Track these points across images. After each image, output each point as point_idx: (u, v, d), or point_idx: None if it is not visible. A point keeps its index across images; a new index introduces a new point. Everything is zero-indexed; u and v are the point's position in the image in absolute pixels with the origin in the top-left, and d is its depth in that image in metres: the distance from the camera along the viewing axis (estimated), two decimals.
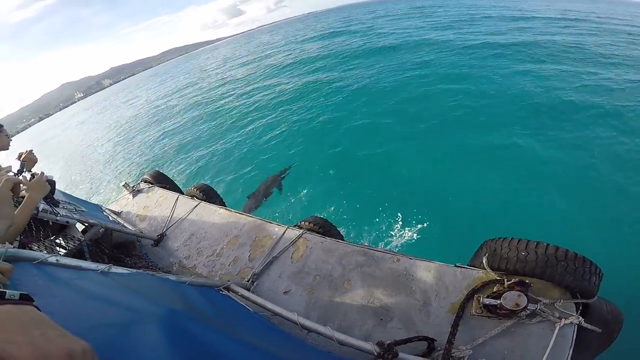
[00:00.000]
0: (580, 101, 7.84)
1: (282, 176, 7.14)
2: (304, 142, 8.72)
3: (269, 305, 1.71)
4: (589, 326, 1.37)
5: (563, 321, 1.33)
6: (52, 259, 1.44)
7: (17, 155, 2.11)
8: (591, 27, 17.86)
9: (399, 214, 5.00)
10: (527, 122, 7.23)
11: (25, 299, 0.61)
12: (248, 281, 2.11)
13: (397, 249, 1.98)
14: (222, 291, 1.86)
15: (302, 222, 2.50)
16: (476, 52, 13.18)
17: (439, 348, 1.42)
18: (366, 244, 2.08)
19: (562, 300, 1.40)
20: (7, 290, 0.57)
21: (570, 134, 6.59)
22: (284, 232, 2.36)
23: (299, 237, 2.27)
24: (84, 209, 3.16)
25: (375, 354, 1.31)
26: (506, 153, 6.23)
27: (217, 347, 1.00)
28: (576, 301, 1.41)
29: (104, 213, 3.41)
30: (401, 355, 1.32)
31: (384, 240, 4.00)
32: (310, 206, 5.98)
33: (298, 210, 5.99)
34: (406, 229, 4.64)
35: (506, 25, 18.67)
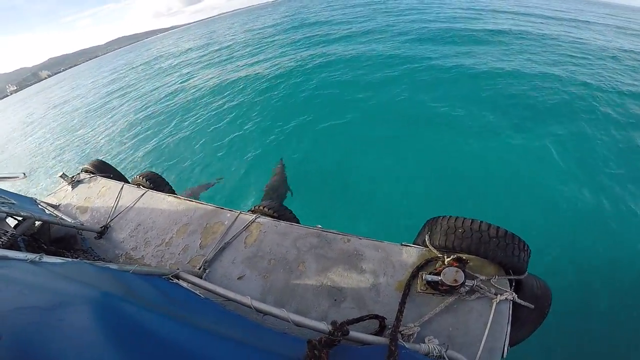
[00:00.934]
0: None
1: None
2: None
3: (221, 290, 1.68)
4: (522, 302, 1.49)
5: (499, 297, 1.44)
6: None
7: None
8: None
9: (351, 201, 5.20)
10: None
11: None
12: (200, 269, 2.05)
13: (348, 231, 2.02)
14: (171, 280, 1.79)
15: (256, 207, 2.47)
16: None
17: (389, 326, 1.49)
18: (320, 226, 2.10)
19: (497, 277, 1.51)
20: None
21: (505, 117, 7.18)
22: (237, 218, 2.31)
23: (252, 221, 2.24)
24: (14, 202, 2.87)
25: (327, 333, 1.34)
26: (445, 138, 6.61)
27: (157, 328, 0.96)
28: (509, 277, 1.53)
29: (39, 206, 3.12)
30: (353, 333, 1.36)
31: (338, 223, 4.12)
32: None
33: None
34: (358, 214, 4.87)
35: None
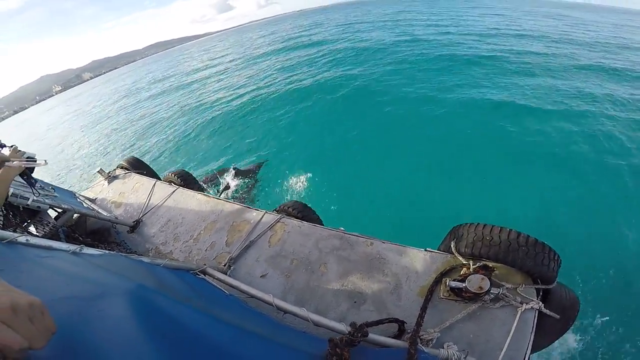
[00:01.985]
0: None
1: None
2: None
3: (245, 287, 1.73)
4: (548, 312, 1.44)
5: (524, 306, 1.39)
6: (22, 239, 1.42)
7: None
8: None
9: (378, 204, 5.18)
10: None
11: None
12: (225, 265, 2.12)
13: (370, 234, 2.03)
14: (198, 274, 1.86)
15: (281, 206, 2.52)
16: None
17: (408, 330, 1.48)
18: (342, 228, 2.12)
19: (524, 285, 1.47)
20: None
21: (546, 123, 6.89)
22: (262, 217, 2.37)
23: (277, 221, 2.29)
24: (57, 194, 3.07)
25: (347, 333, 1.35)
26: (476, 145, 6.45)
27: (189, 322, 1.01)
28: (537, 287, 1.48)
29: (78, 199, 3.32)
30: (373, 336, 1.37)
31: (360, 225, 4.13)
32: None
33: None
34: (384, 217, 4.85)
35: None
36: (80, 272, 1.34)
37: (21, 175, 1.85)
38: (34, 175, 2.05)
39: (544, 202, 4.88)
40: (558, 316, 1.43)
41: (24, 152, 1.85)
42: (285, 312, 1.60)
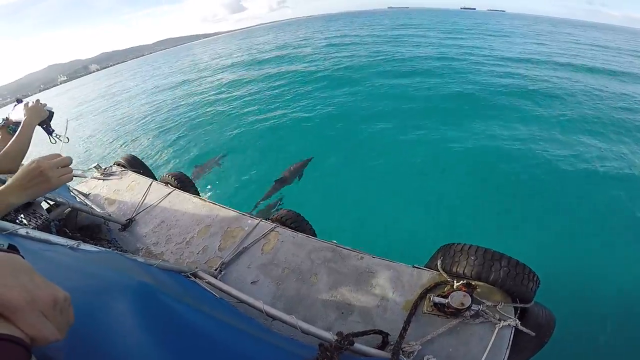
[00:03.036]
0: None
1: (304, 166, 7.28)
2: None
3: (235, 292, 1.78)
4: (524, 329, 1.53)
5: (502, 323, 1.48)
6: (22, 231, 1.45)
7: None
8: None
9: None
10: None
11: (13, 248, 0.66)
12: (216, 270, 2.15)
13: (362, 248, 2.11)
14: (189, 277, 1.90)
15: (276, 215, 2.58)
16: None
17: (392, 342, 1.54)
18: (335, 241, 2.18)
19: (502, 304, 1.55)
20: None
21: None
22: (257, 225, 2.42)
23: (271, 230, 2.35)
24: None
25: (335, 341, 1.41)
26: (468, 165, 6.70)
27: (189, 318, 1.06)
28: (515, 305, 1.57)
29: (71, 193, 3.32)
30: (358, 345, 1.43)
31: (352, 240, 4.22)
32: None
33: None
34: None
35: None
36: (80, 266, 1.37)
37: (40, 123, 1.92)
38: None
39: (532, 228, 5.10)
40: (534, 334, 1.52)
41: (45, 104, 1.95)
42: (274, 318, 1.65)
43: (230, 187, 7.15)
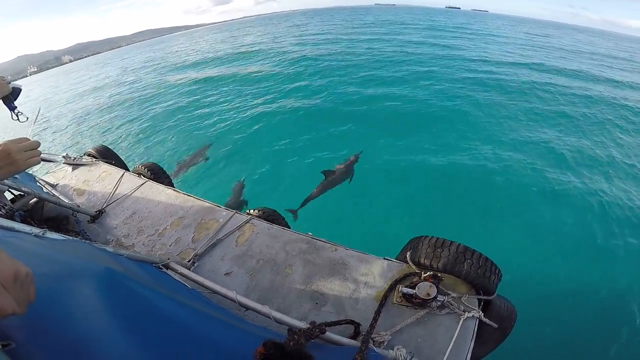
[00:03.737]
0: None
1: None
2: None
3: (208, 283, 1.77)
4: (487, 321, 1.61)
5: (466, 314, 1.55)
6: None
7: None
8: None
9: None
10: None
11: None
12: (189, 261, 2.13)
13: (336, 241, 2.15)
14: (160, 268, 1.87)
15: (251, 210, 2.57)
16: None
17: (363, 332, 1.59)
18: (310, 233, 2.21)
19: (467, 295, 1.63)
20: None
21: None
22: (232, 217, 2.41)
23: (246, 222, 2.34)
24: (16, 176, 2.93)
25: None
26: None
27: (157, 303, 1.05)
28: (479, 297, 1.65)
29: (38, 183, 3.18)
30: (330, 334, 1.46)
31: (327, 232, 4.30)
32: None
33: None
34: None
35: None
36: (45, 253, 1.33)
37: (3, 100, 1.89)
38: None
39: (501, 224, 5.37)
40: (496, 325, 1.60)
41: (10, 80, 1.90)
42: (248, 308, 1.66)
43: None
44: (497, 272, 1.64)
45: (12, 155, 1.01)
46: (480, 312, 1.56)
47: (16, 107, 2.05)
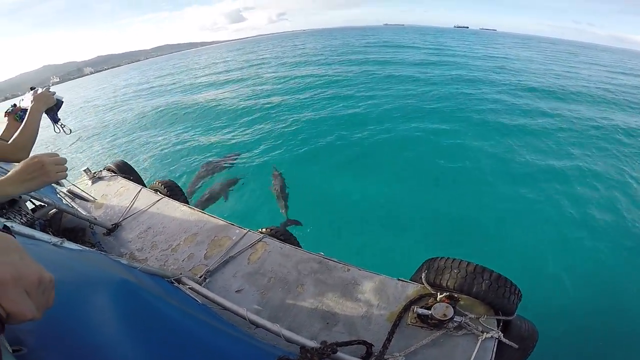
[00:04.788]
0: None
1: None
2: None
3: (218, 299, 1.76)
4: (507, 341, 1.55)
5: (485, 335, 1.50)
6: (9, 224, 1.43)
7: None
8: None
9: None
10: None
11: (7, 230, 0.67)
12: (201, 277, 2.13)
13: (348, 261, 2.13)
14: (172, 282, 1.88)
15: (264, 229, 2.58)
16: None
17: (375, 353, 1.54)
18: (322, 253, 2.19)
19: (485, 316, 1.58)
20: None
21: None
22: (244, 235, 2.42)
23: (259, 240, 2.34)
24: None
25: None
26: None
27: (170, 315, 1.05)
28: (497, 318, 1.60)
29: (57, 195, 3.27)
30: (341, 355, 1.42)
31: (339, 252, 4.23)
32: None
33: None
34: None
35: None
36: (62, 262, 1.35)
37: (47, 111, 1.90)
38: None
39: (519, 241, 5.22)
40: (517, 346, 1.54)
41: (55, 92, 1.93)
42: (258, 326, 1.64)
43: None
44: (516, 292, 1.59)
45: (46, 167, 1.08)
46: (500, 332, 1.51)
47: (59, 120, 2.07)
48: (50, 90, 1.91)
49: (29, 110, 1.74)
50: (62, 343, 0.79)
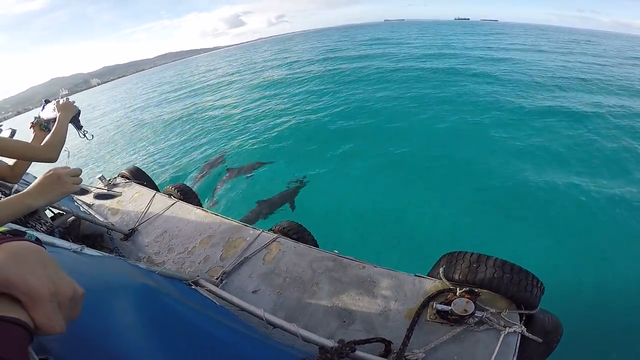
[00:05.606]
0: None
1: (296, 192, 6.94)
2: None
3: (236, 300, 1.77)
4: (530, 336, 1.50)
5: (507, 330, 1.46)
6: (30, 232, 1.46)
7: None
8: None
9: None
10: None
11: (38, 242, 0.68)
12: (217, 279, 2.14)
13: (363, 258, 2.11)
14: (190, 285, 1.89)
15: (277, 226, 2.58)
16: None
17: (394, 350, 1.52)
18: (337, 251, 2.18)
19: (507, 310, 1.54)
20: (27, 231, 0.64)
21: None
22: (258, 235, 2.42)
23: (273, 240, 2.35)
24: None
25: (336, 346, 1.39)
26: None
27: (190, 318, 1.06)
28: (520, 312, 1.55)
29: (75, 203, 3.35)
30: (360, 353, 1.41)
31: (353, 249, 4.20)
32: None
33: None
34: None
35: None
36: (84, 269, 1.38)
37: (71, 120, 2.03)
38: None
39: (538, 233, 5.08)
40: (540, 340, 1.49)
41: (74, 101, 2.08)
42: (275, 326, 1.63)
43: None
44: (539, 285, 1.54)
45: (62, 178, 1.13)
46: (523, 327, 1.47)
47: (82, 127, 2.21)
48: (70, 100, 2.05)
49: (57, 118, 1.89)
50: (87, 350, 0.80)
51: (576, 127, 8.90)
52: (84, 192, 2.86)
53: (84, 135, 2.25)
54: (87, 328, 0.86)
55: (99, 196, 3.28)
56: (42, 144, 1.80)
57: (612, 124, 9.14)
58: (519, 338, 1.44)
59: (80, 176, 1.24)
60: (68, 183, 1.14)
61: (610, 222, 5.22)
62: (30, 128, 2.07)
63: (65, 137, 1.90)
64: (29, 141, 1.94)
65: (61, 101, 2.03)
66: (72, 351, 0.77)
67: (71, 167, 1.22)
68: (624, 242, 4.83)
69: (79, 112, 2.12)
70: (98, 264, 1.55)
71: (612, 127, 8.86)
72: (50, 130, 1.90)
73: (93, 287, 1.10)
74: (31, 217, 2.48)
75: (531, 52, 25.47)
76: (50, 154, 1.75)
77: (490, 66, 17.93)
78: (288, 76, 20.00)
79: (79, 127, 2.19)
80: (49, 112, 2.02)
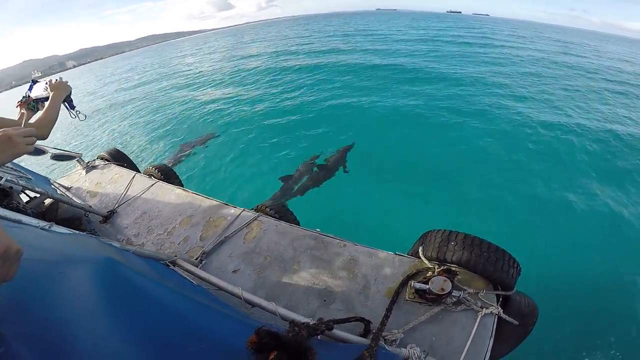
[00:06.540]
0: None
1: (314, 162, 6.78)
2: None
3: (214, 279, 1.73)
4: (507, 317, 1.51)
5: (484, 310, 1.45)
6: None
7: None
8: None
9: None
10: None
11: None
12: (197, 259, 2.10)
13: (345, 237, 2.09)
14: (168, 265, 1.85)
15: (259, 206, 2.54)
16: None
17: (374, 330, 1.51)
18: (319, 229, 2.15)
19: (484, 291, 1.53)
20: None
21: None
22: (240, 214, 2.38)
23: (254, 219, 2.30)
24: (31, 178, 2.99)
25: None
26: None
27: (158, 294, 1.02)
28: (497, 292, 1.55)
29: (52, 186, 3.24)
30: (338, 332, 1.39)
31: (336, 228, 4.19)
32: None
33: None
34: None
35: None
36: (49, 245, 1.32)
37: (64, 99, 2.01)
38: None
39: (515, 213, 5.19)
40: (517, 322, 1.50)
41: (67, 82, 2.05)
42: (254, 305, 1.61)
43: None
44: (515, 265, 1.54)
45: (13, 139, 1.09)
46: (499, 308, 1.47)
47: (75, 107, 2.16)
48: (63, 80, 2.01)
49: (51, 97, 1.86)
50: (30, 316, 0.76)
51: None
52: (40, 152, 2.74)
53: (77, 115, 2.20)
54: (40, 293, 0.82)
55: (56, 157, 3.15)
56: (33, 121, 1.78)
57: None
58: (496, 319, 1.44)
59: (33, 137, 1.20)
60: (20, 144, 1.11)
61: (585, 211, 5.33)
62: (17, 107, 2.00)
63: (57, 115, 1.88)
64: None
65: (54, 80, 1.99)
66: (14, 316, 0.73)
67: (23, 128, 1.19)
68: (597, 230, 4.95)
69: (70, 92, 2.08)
70: (66, 241, 1.49)
71: None
72: (38, 110, 1.90)
73: (51, 258, 1.06)
74: (4, 202, 2.39)
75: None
76: (41, 131, 1.71)
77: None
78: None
79: (72, 106, 2.15)
80: (39, 90, 1.99)
